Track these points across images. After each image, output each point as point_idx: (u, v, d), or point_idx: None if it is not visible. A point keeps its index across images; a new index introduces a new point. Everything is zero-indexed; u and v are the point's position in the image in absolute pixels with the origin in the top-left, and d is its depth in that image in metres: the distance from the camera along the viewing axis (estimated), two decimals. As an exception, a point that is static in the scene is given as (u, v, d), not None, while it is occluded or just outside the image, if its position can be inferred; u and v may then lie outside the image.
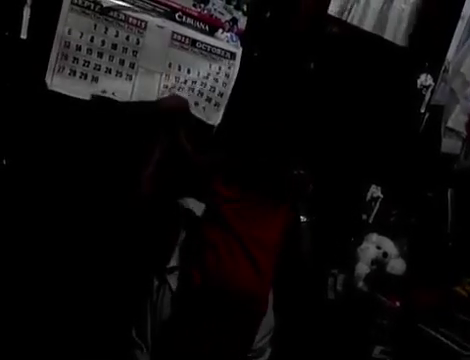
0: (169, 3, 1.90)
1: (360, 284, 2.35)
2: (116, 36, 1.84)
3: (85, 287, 1.95)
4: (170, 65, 1.94)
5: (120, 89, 1.88)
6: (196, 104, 2.03)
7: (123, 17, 1.84)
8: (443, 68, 2.50)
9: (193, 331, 1.74)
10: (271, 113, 2.16)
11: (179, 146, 1.91)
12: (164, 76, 1.94)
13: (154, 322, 1.79)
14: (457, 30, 2.48)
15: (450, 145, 2.57)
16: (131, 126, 1.91)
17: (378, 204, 2.48)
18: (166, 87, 1.95)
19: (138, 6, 1.85)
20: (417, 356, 2.24)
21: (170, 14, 1.91)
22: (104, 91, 1.86)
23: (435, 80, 2.48)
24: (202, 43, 1.98)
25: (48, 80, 1.78)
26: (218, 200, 1.82)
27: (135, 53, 1.88)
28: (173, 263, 1.83)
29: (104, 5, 1.80)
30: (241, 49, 2.06)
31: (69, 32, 1.77)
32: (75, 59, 1.80)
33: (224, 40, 2.03)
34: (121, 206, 1.93)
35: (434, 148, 2.54)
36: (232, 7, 2.02)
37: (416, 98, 2.48)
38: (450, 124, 2.55)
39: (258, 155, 1.87)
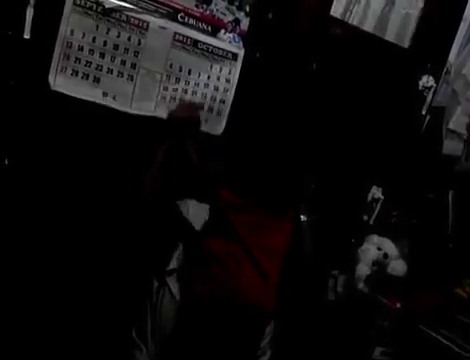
0: (171, 4, 1.91)
1: (360, 285, 2.35)
2: (118, 37, 1.85)
3: (86, 288, 1.95)
4: (171, 66, 1.95)
5: (121, 89, 1.89)
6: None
7: (125, 18, 1.84)
8: (445, 69, 2.50)
9: (198, 342, 1.74)
10: (273, 114, 2.16)
11: (186, 156, 1.90)
12: (165, 77, 1.95)
13: (154, 323, 1.80)
14: (459, 32, 2.47)
15: (451, 147, 2.57)
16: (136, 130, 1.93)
17: (379, 205, 2.49)
18: (166, 88, 1.96)
19: (140, 7, 1.86)
20: (417, 357, 2.24)
21: (172, 15, 1.92)
22: (105, 92, 1.86)
23: (437, 81, 2.48)
24: (204, 44, 1.98)
25: (51, 80, 1.79)
26: (225, 209, 1.79)
27: (137, 54, 1.89)
28: (173, 265, 1.83)
29: (106, 6, 1.80)
30: (243, 50, 2.06)
31: (71, 33, 1.78)
32: (77, 59, 1.81)
33: (226, 41, 2.03)
34: (122, 208, 1.93)
35: (435, 150, 2.54)
36: (234, 8, 2.02)
37: (417, 99, 2.48)
38: (451, 126, 2.55)
39: (261, 158, 1.86)
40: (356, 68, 2.32)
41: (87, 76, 1.83)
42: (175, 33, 1.93)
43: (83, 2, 1.77)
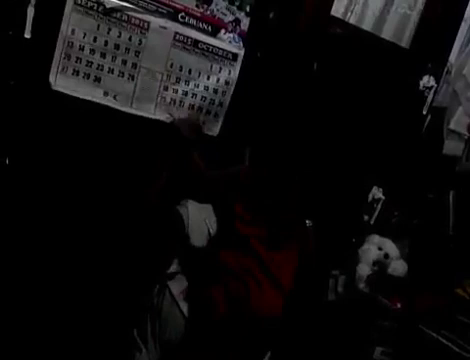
0: (172, 4, 1.91)
1: (361, 285, 2.34)
2: (119, 37, 1.85)
3: (86, 290, 1.95)
4: (172, 65, 1.95)
5: (122, 89, 1.89)
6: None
7: (126, 18, 1.85)
8: (446, 70, 2.50)
9: (209, 352, 1.74)
10: (274, 114, 2.17)
11: (192, 165, 1.91)
12: (165, 76, 1.95)
13: (154, 325, 1.80)
14: (460, 32, 2.48)
15: (452, 147, 2.57)
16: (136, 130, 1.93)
17: (380, 205, 2.49)
18: (166, 88, 1.96)
19: (141, 7, 1.86)
20: (418, 358, 2.24)
21: (173, 15, 1.92)
22: (106, 92, 1.87)
23: (437, 82, 2.49)
24: (204, 44, 1.99)
25: (52, 80, 1.79)
26: (237, 222, 1.79)
27: (137, 53, 1.89)
28: (173, 269, 1.83)
29: (107, 6, 1.81)
30: (243, 50, 2.06)
31: (72, 32, 1.78)
32: (78, 59, 1.81)
33: (226, 41, 2.03)
34: (123, 208, 1.93)
35: (436, 150, 2.54)
36: (235, 8, 2.02)
37: (418, 99, 2.49)
38: (452, 126, 2.55)
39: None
40: (357, 68, 2.32)
41: (88, 76, 1.84)
42: (176, 33, 1.93)
43: (84, 2, 1.77)
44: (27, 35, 1.73)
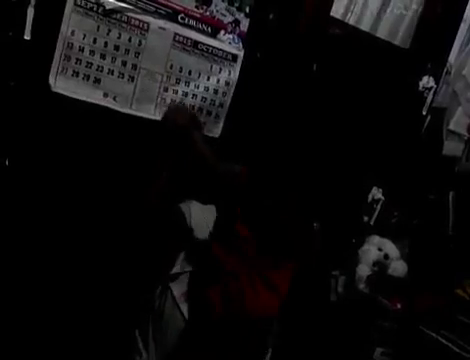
0: (171, 5, 1.91)
1: (361, 286, 2.35)
2: (118, 38, 1.85)
3: (87, 290, 1.95)
4: (172, 67, 1.95)
5: (122, 90, 1.89)
6: None
7: (126, 19, 1.84)
8: (445, 70, 2.50)
9: (206, 354, 1.74)
10: (274, 115, 2.17)
11: (196, 152, 1.88)
12: (165, 78, 1.95)
13: (155, 328, 1.80)
14: (459, 32, 2.48)
15: (452, 147, 2.57)
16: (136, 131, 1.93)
17: (380, 206, 2.49)
18: (166, 89, 1.96)
19: (140, 8, 1.86)
20: (418, 358, 2.24)
21: (172, 16, 1.92)
22: (106, 93, 1.87)
23: (437, 82, 2.49)
24: (204, 45, 1.99)
25: (52, 81, 1.79)
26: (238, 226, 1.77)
27: (137, 55, 1.89)
28: (176, 270, 1.83)
29: (107, 7, 1.80)
30: (243, 51, 2.06)
31: (72, 33, 1.78)
32: (78, 60, 1.81)
33: (226, 42, 2.03)
34: (125, 210, 1.93)
35: (436, 150, 2.55)
36: (234, 9, 2.02)
37: (418, 100, 2.49)
38: (452, 126, 2.55)
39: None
40: (356, 69, 2.32)
41: (88, 77, 1.83)
42: (175, 34, 1.93)
43: (84, 3, 1.77)
44: (27, 36, 1.72)
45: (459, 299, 2.33)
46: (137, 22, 1.86)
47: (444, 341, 2.17)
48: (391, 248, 2.40)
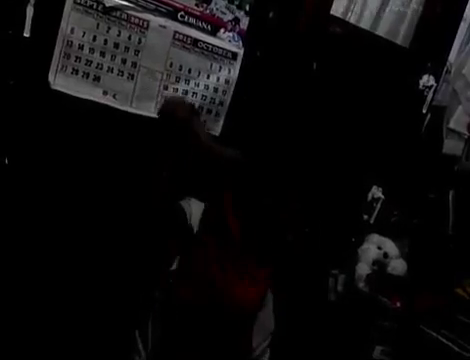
0: (171, 2, 1.91)
1: (361, 285, 2.35)
2: (118, 35, 1.85)
3: (88, 290, 1.95)
4: (171, 65, 1.95)
5: (122, 88, 1.89)
6: None
7: (125, 16, 1.84)
8: (445, 69, 2.50)
9: (184, 345, 1.72)
10: (273, 113, 2.16)
11: (200, 144, 1.84)
12: (165, 76, 1.95)
13: (155, 327, 1.79)
14: (459, 31, 2.48)
15: (452, 146, 2.57)
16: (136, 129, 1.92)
17: (379, 205, 2.49)
18: (166, 87, 1.96)
19: (140, 6, 1.85)
20: (418, 357, 2.24)
21: (172, 14, 1.92)
22: (105, 91, 1.87)
23: (437, 81, 2.49)
24: (204, 43, 1.98)
25: (51, 79, 1.79)
26: (225, 212, 1.74)
27: (137, 53, 1.89)
28: (174, 267, 1.82)
29: (107, 4, 1.80)
30: (243, 49, 2.06)
31: (72, 31, 1.78)
32: (77, 58, 1.81)
33: (226, 40, 2.03)
34: (124, 207, 1.93)
35: (436, 149, 2.54)
36: (234, 7, 2.02)
37: (418, 99, 2.49)
38: (452, 125, 2.55)
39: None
40: (356, 67, 2.32)
41: (87, 75, 1.83)
42: (175, 32, 1.93)
43: (83, 1, 1.77)
44: (26, 34, 1.72)
45: (459, 298, 2.33)
46: (137, 20, 1.86)
47: (444, 340, 2.17)
48: (391, 247, 2.40)
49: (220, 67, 2.04)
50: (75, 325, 1.96)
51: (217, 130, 2.10)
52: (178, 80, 1.97)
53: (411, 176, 2.48)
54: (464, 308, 2.29)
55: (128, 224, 1.94)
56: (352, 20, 2.33)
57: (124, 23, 1.85)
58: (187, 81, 1.99)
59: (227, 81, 2.06)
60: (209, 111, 2.06)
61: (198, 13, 1.96)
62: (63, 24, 1.76)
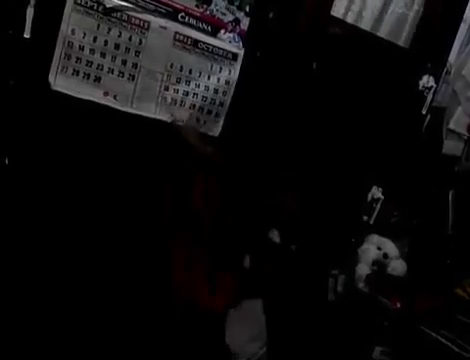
0: (172, 3, 1.91)
1: (361, 285, 2.35)
2: (119, 36, 1.85)
3: (88, 290, 1.95)
4: (172, 66, 1.95)
5: (122, 89, 1.89)
6: (197, 120, 2.05)
7: (126, 17, 1.84)
8: (445, 70, 2.50)
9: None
10: (273, 113, 2.16)
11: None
12: (166, 77, 1.95)
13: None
14: (459, 32, 2.48)
15: (451, 147, 2.57)
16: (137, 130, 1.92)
17: (379, 205, 2.49)
18: (167, 88, 1.96)
19: (141, 7, 1.86)
20: (417, 357, 2.24)
21: (173, 14, 1.92)
22: (106, 92, 1.87)
23: (437, 82, 2.49)
24: (204, 44, 1.99)
25: (51, 80, 1.79)
26: (197, 203, 1.74)
27: (137, 53, 1.89)
28: None
29: (107, 5, 1.80)
30: (243, 50, 2.06)
31: (72, 32, 1.78)
32: (78, 59, 1.81)
33: (226, 41, 2.03)
34: (124, 208, 1.93)
35: (435, 150, 2.55)
36: (235, 8, 2.02)
37: (418, 99, 2.49)
38: (452, 126, 2.56)
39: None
40: (356, 68, 2.32)
41: (88, 76, 1.83)
42: (176, 33, 1.93)
43: (84, 1, 1.77)
44: (27, 35, 1.72)
45: (459, 299, 2.33)
46: (137, 21, 1.86)
47: (444, 340, 2.17)
48: (391, 247, 2.40)
49: (220, 68, 2.04)
50: (75, 325, 1.96)
51: (217, 131, 2.10)
52: (179, 81, 1.97)
53: (411, 177, 2.49)
54: (464, 308, 2.29)
55: (129, 224, 1.94)
56: (352, 21, 2.33)
57: (125, 24, 1.85)
58: (187, 82, 1.99)
59: (227, 82, 2.07)
60: (209, 112, 2.07)
61: (198, 14, 1.96)
62: (63, 25, 1.76)
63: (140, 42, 1.88)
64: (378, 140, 2.43)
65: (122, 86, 1.89)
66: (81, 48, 1.80)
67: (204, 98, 2.04)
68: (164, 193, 1.77)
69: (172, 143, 1.90)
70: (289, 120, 2.21)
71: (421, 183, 2.52)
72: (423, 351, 2.21)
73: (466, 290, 2.34)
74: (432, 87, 2.48)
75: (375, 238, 2.43)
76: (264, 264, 1.90)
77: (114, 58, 1.86)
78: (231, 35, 2.04)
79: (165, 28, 1.91)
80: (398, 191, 2.49)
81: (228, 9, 2.01)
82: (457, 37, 2.48)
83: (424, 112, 2.51)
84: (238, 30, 2.04)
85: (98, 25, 1.81)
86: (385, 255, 2.37)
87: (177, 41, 1.94)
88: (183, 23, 1.94)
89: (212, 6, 1.98)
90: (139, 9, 1.85)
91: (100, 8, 1.80)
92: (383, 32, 2.39)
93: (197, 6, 1.95)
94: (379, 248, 2.39)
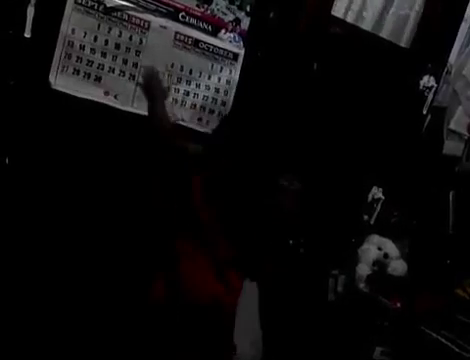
0: (172, 3, 1.91)
1: (361, 285, 2.35)
2: (119, 36, 1.85)
3: (88, 290, 1.95)
4: (172, 65, 1.95)
5: (123, 89, 1.89)
6: (199, 120, 2.05)
7: (126, 17, 1.85)
8: (445, 70, 2.50)
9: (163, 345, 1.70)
10: (274, 113, 2.16)
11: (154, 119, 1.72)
12: (166, 76, 1.95)
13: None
14: (460, 32, 2.48)
15: (452, 147, 2.57)
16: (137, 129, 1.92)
17: (380, 205, 2.49)
18: (168, 88, 1.96)
19: (141, 6, 1.86)
20: (418, 358, 2.24)
21: (173, 14, 1.92)
22: (107, 91, 1.87)
23: (437, 82, 2.49)
24: (205, 43, 1.99)
25: (52, 79, 1.79)
26: (196, 202, 1.70)
27: (138, 53, 1.89)
28: None
29: (107, 5, 1.81)
30: (243, 50, 2.06)
31: (73, 32, 1.78)
32: (78, 58, 1.81)
33: (227, 41, 2.04)
34: (124, 207, 1.93)
35: (436, 150, 2.54)
36: (235, 7, 2.02)
37: (418, 99, 2.48)
38: (452, 126, 2.55)
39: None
40: (357, 68, 2.32)
41: (88, 75, 1.84)
42: (176, 32, 1.93)
43: (84, 1, 1.77)
44: (27, 34, 1.72)
45: (459, 299, 2.33)
46: (138, 20, 1.87)
47: (444, 341, 2.17)
48: (391, 247, 2.39)
49: (221, 68, 2.04)
50: (77, 325, 1.96)
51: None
52: (179, 81, 1.97)
53: (411, 177, 2.48)
54: (464, 308, 2.29)
55: (129, 223, 1.94)
56: (353, 21, 2.33)
57: (125, 24, 1.85)
58: (188, 82, 1.99)
59: (228, 81, 2.06)
60: (211, 111, 2.06)
61: (199, 14, 1.96)
62: (64, 25, 1.77)
63: (141, 42, 1.88)
64: (379, 140, 2.43)
65: (123, 85, 1.89)
66: (81, 47, 1.81)
67: (205, 98, 2.04)
68: (164, 193, 1.77)
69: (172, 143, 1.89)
70: (290, 120, 2.21)
71: (421, 183, 2.52)
72: (423, 351, 2.21)
73: (466, 290, 2.34)
74: (433, 87, 2.48)
75: (375, 238, 2.43)
76: (266, 265, 1.90)
77: (115, 58, 1.86)
78: (232, 35, 2.04)
79: (165, 28, 1.91)
80: (399, 191, 2.49)
81: (229, 9, 2.01)
82: (457, 37, 2.47)
83: (425, 112, 2.50)
84: (239, 30, 2.04)
85: (98, 25, 1.81)
86: (385, 255, 2.36)
87: (178, 41, 1.94)
88: (184, 23, 1.94)
89: (213, 6, 1.98)
90: (140, 9, 1.86)
91: (100, 8, 1.80)
92: (384, 32, 2.39)
93: (198, 6, 1.95)
94: (379, 248, 2.39)
